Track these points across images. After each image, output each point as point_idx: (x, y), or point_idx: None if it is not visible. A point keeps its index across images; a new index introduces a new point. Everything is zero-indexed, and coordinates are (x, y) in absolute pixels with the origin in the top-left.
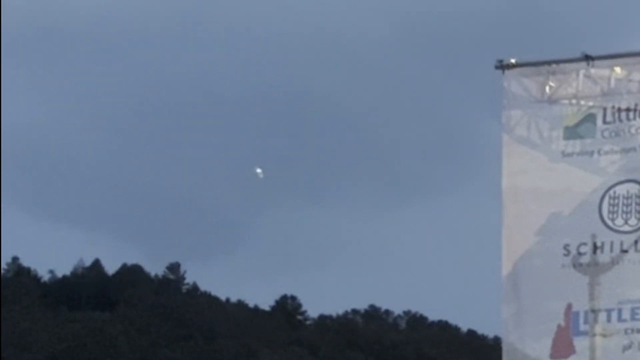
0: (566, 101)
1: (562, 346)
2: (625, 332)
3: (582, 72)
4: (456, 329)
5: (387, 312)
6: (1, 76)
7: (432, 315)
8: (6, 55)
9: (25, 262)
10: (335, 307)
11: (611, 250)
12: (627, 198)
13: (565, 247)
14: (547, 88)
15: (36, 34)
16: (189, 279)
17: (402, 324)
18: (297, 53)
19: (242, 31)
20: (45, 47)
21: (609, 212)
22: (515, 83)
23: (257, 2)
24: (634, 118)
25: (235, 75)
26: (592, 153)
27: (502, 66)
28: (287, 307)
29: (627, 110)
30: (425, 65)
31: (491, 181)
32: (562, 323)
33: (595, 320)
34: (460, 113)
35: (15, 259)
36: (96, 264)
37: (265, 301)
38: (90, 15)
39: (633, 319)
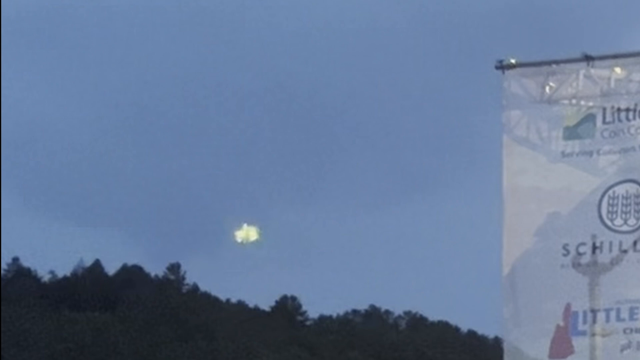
0: (566, 101)
1: (561, 346)
2: (624, 331)
3: (582, 72)
4: (456, 329)
5: (387, 312)
6: (1, 71)
7: (432, 316)
8: (5, 48)
9: (25, 262)
10: (335, 307)
11: (610, 250)
12: (626, 198)
13: (565, 247)
14: (547, 88)
15: (35, 25)
16: (189, 279)
17: (402, 324)
18: (297, 49)
19: (244, 25)
20: (45, 43)
21: (608, 212)
22: (515, 83)
23: None
24: (634, 118)
25: (237, 70)
26: (591, 153)
27: (502, 66)
28: (287, 307)
29: (627, 110)
30: (425, 65)
31: (492, 181)
32: (561, 323)
33: (594, 320)
34: (461, 113)
35: (15, 259)
36: (96, 264)
37: (265, 301)
38: (94, 5)
39: (632, 318)
